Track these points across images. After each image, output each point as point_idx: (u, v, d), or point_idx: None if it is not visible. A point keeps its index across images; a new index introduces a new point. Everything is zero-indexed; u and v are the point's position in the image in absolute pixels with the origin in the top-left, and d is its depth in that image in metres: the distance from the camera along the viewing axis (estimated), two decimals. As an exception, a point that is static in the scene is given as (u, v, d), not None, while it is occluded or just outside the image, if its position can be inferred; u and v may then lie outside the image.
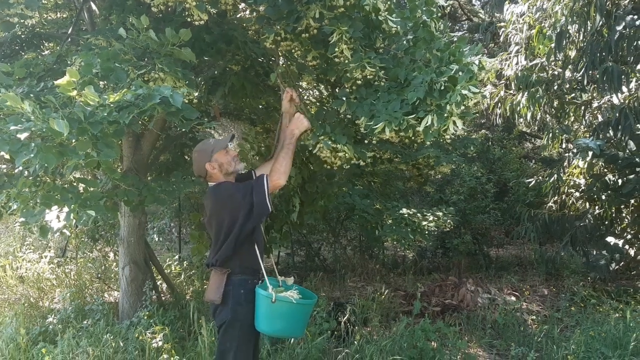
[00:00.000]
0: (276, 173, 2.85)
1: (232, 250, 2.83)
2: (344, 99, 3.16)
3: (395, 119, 2.72)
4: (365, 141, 4.03)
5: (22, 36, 5.01)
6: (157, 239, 7.91)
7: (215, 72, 4.70)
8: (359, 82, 3.03)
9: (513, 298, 6.38)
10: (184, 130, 5.93)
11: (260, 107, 5.43)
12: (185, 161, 6.08)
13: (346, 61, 3.01)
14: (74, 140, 2.34)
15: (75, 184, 3.13)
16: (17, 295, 5.97)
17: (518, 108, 6.82)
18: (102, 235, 7.19)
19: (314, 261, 8.34)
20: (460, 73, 2.62)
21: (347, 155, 3.15)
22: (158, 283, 5.59)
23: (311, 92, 5.20)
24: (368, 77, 2.98)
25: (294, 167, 3.30)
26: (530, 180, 7.63)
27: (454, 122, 2.68)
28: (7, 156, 3.34)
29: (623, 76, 5.85)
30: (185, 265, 7.11)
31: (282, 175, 2.86)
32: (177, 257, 7.43)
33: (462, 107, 2.68)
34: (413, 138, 3.00)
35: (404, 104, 2.77)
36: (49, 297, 6.08)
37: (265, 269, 2.93)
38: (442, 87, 2.63)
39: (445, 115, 2.63)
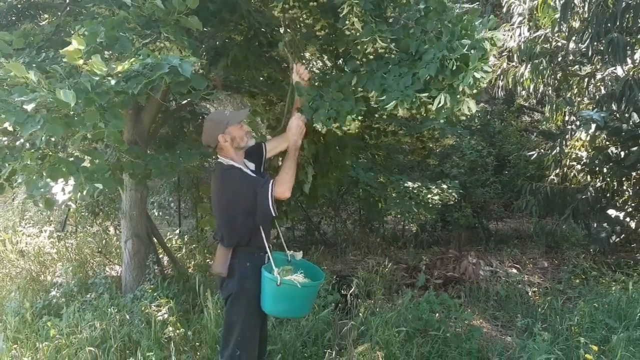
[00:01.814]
0: (282, 185, 2.79)
1: (237, 236, 2.85)
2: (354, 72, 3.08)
3: (408, 97, 2.66)
4: (376, 115, 3.97)
5: (19, 6, 4.88)
6: (157, 214, 7.88)
7: (217, 43, 4.61)
8: (370, 55, 2.96)
9: (514, 270, 6.41)
10: (183, 103, 5.88)
11: (262, 79, 5.34)
12: (185, 134, 6.02)
13: (357, 34, 2.93)
14: (80, 111, 2.28)
15: (80, 156, 3.08)
16: (18, 270, 5.95)
17: (521, 80, 6.75)
18: (102, 209, 7.15)
19: (314, 235, 8.34)
20: (472, 51, 2.55)
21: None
22: (160, 257, 5.57)
23: (314, 62, 5.11)
24: (379, 50, 2.91)
25: (305, 139, 3.24)
26: (532, 153, 7.60)
27: (467, 104, 2.63)
28: (10, 128, 3.28)
29: (628, 47, 5.79)
30: (185, 239, 7.10)
31: (287, 189, 2.81)
32: (177, 231, 7.41)
33: (473, 90, 2.62)
34: (425, 115, 2.94)
35: (416, 78, 2.70)
36: (50, 271, 6.06)
37: (274, 244, 2.92)
38: (454, 67, 2.56)
39: (458, 96, 2.58)
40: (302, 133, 2.99)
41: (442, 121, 3.87)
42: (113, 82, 2.23)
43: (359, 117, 3.00)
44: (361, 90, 2.95)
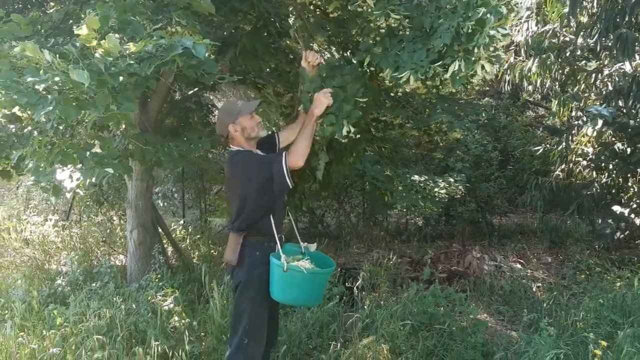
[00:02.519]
0: (294, 154, 2.80)
1: (248, 220, 2.85)
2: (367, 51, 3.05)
3: (421, 67, 2.63)
4: (387, 103, 3.94)
5: (26, -7, 4.86)
6: (161, 204, 7.88)
7: (225, 33, 4.59)
8: (383, 31, 2.93)
9: (518, 265, 6.40)
10: (189, 93, 5.87)
11: (268, 70, 5.32)
12: (190, 125, 6.01)
13: (369, 10, 2.90)
14: (92, 94, 2.26)
15: (90, 142, 3.07)
16: (23, 258, 5.95)
17: (528, 75, 6.72)
18: (106, 199, 7.15)
19: (317, 228, 8.34)
20: (488, 15, 2.52)
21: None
22: (165, 247, 5.57)
23: (322, 54, 5.09)
24: (392, 25, 2.88)
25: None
26: (537, 148, 7.58)
27: (483, 66, 2.60)
28: (19, 113, 3.27)
29: (637, 43, 5.75)
30: (189, 230, 7.10)
31: (300, 157, 2.80)
32: (181, 221, 7.41)
33: (492, 49, 2.59)
34: (440, 87, 2.91)
35: (430, 52, 2.68)
36: (54, 259, 6.06)
37: (286, 235, 2.92)
38: (469, 30, 2.53)
39: (473, 59, 2.55)
40: (321, 106, 2.89)
41: (455, 90, 3.80)
42: (126, 63, 2.21)
43: (353, 124, 2.97)
44: (370, 74, 2.90)
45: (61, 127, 3.44)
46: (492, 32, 2.48)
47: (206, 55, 2.38)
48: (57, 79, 2.18)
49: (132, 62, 2.21)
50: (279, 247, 2.88)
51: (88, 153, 2.90)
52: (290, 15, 4.27)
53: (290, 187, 2.83)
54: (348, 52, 4.74)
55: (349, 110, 2.90)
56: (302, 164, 2.83)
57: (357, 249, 7.37)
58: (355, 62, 3.15)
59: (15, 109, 3.00)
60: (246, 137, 2.91)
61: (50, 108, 2.19)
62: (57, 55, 2.20)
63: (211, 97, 7.77)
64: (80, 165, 3.02)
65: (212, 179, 8.31)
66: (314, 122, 2.90)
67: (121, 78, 2.21)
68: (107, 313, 3.86)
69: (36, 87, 2.16)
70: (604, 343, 3.45)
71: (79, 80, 2.07)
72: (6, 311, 4.38)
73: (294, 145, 2.87)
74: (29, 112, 2.94)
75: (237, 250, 2.86)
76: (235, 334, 2.87)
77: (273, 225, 2.87)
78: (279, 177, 2.76)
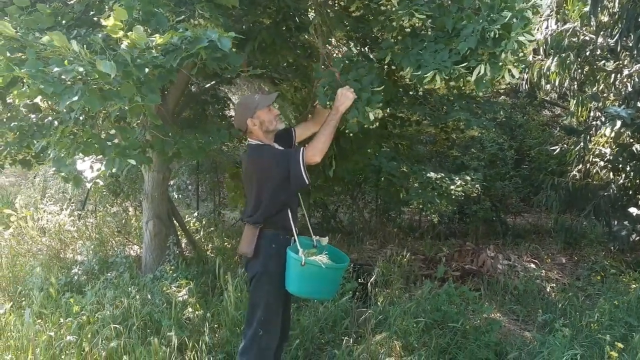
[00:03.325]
0: (313, 149, 2.81)
1: (265, 213, 2.87)
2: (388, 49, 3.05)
3: (446, 68, 2.63)
4: (405, 100, 3.94)
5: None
6: (175, 196, 7.93)
7: (244, 27, 4.60)
8: (406, 30, 2.92)
9: (532, 265, 6.37)
10: (206, 87, 5.89)
11: (285, 65, 5.32)
12: (206, 117, 6.03)
13: (392, 8, 2.89)
14: (117, 85, 2.29)
15: (112, 132, 3.10)
16: (40, 246, 6.02)
17: (547, 73, 6.66)
18: (122, 189, 7.21)
19: (330, 223, 8.34)
20: (514, 20, 2.51)
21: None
22: (179, 238, 5.61)
23: (340, 49, 5.09)
24: (415, 25, 2.87)
25: None
26: (554, 148, 7.52)
27: (509, 71, 2.59)
28: (43, 104, 3.31)
29: (658, 43, 5.68)
30: (203, 222, 7.14)
31: (319, 152, 2.82)
32: (195, 214, 7.45)
33: (519, 55, 2.58)
34: (463, 88, 2.91)
35: (453, 53, 2.67)
36: (70, 249, 6.13)
37: (299, 228, 2.93)
38: (496, 36, 2.52)
39: (500, 64, 2.54)
40: (346, 102, 2.88)
41: (480, 93, 3.78)
42: (152, 55, 2.23)
43: (378, 110, 2.96)
44: (388, 71, 2.90)
45: (81, 118, 3.49)
46: (520, 38, 2.47)
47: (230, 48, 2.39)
48: (81, 69, 2.21)
49: (157, 54, 2.23)
50: (296, 240, 2.89)
51: (110, 144, 2.92)
52: (310, 10, 4.27)
53: (308, 183, 2.84)
54: (366, 48, 4.73)
55: (367, 97, 2.88)
56: (319, 159, 2.84)
57: (370, 245, 7.36)
58: (373, 58, 3.15)
59: (37, 99, 3.03)
60: (264, 130, 2.92)
61: (76, 98, 2.21)
62: (85, 46, 2.22)
63: (226, 91, 7.78)
64: (102, 156, 3.05)
65: (227, 171, 8.34)
66: (337, 118, 2.89)
67: (146, 70, 2.22)
68: (124, 302, 3.89)
69: (62, 77, 2.18)
70: (620, 345, 3.43)
71: (106, 71, 2.09)
72: (23, 298, 4.44)
73: (313, 141, 2.87)
74: (52, 102, 2.96)
75: (253, 242, 2.88)
76: (250, 325, 2.90)
77: (290, 219, 2.88)
78: (296, 172, 2.78)
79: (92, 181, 3.34)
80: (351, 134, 3.75)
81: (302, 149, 2.82)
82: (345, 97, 2.87)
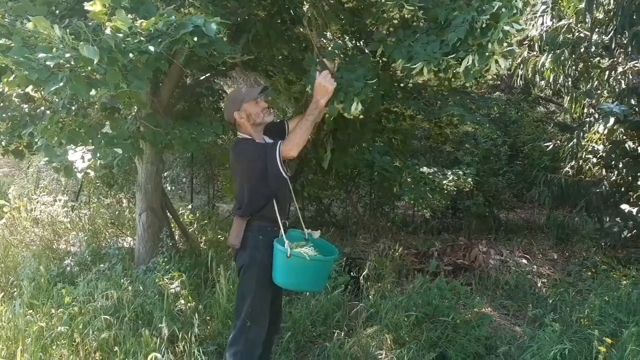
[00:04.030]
0: (289, 143, 2.81)
1: (250, 206, 2.88)
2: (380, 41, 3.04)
3: (435, 59, 2.63)
4: (399, 95, 3.94)
5: (41, -27, 4.85)
6: (169, 188, 7.91)
7: (238, 19, 4.58)
8: (396, 22, 2.92)
9: (524, 261, 6.40)
10: (200, 79, 5.87)
11: (280, 57, 5.31)
12: (201, 110, 6.02)
13: (383, 0, 2.89)
14: (103, 72, 2.27)
15: (101, 121, 3.09)
16: (33, 237, 6.01)
17: (542, 70, 6.68)
18: (116, 181, 7.20)
19: (324, 217, 8.36)
20: (503, 10, 2.51)
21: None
22: (172, 231, 5.60)
23: (335, 43, 5.07)
24: (406, 16, 2.87)
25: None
26: (548, 144, 7.55)
27: (497, 61, 2.59)
28: (33, 93, 3.29)
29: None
30: (197, 215, 7.14)
31: (295, 147, 2.81)
32: (189, 206, 7.45)
33: (505, 45, 2.58)
34: (452, 80, 2.91)
35: (444, 44, 2.67)
36: (63, 240, 6.12)
37: (291, 221, 2.93)
38: (484, 25, 2.52)
39: (487, 54, 2.54)
40: (325, 93, 2.85)
41: (468, 85, 3.78)
42: (136, 40, 2.22)
43: (365, 103, 2.94)
44: (383, 64, 2.89)
45: (73, 108, 3.47)
46: (506, 28, 2.47)
47: (217, 35, 2.37)
48: (67, 55, 2.19)
49: (142, 39, 2.22)
50: (283, 232, 2.90)
51: (99, 133, 2.91)
52: (305, 3, 4.25)
53: (285, 176, 2.86)
54: (361, 42, 4.72)
55: (360, 87, 2.87)
56: (295, 154, 2.84)
57: (363, 239, 7.38)
58: (367, 52, 3.15)
59: (29, 89, 3.01)
60: (252, 123, 2.93)
61: (61, 84, 2.19)
62: (68, 32, 2.21)
63: (221, 83, 7.77)
64: (90, 145, 3.03)
65: (221, 164, 8.34)
66: (317, 113, 2.88)
67: (131, 55, 2.21)
68: (114, 294, 3.89)
69: (47, 63, 2.17)
70: (609, 340, 3.46)
71: (89, 56, 2.07)
72: (15, 289, 4.44)
73: (290, 134, 2.88)
74: (42, 90, 2.94)
75: (240, 234, 2.90)
76: (238, 317, 2.91)
77: (277, 211, 2.89)
78: (272, 167, 2.80)
79: (83, 172, 3.31)
80: (349, 131, 3.75)
81: (279, 142, 2.82)
82: (324, 88, 2.84)
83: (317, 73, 2.91)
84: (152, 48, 2.22)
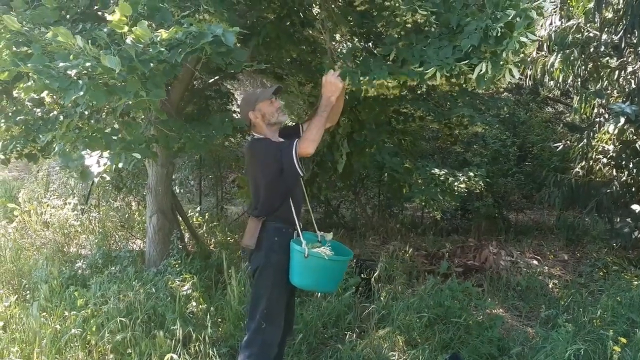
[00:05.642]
0: (305, 141, 2.81)
1: (267, 205, 2.88)
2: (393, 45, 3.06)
3: (447, 65, 2.63)
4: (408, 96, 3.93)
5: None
6: (178, 191, 7.94)
7: (248, 22, 4.60)
8: (409, 26, 2.93)
9: (535, 262, 6.38)
10: (209, 82, 5.89)
11: (289, 60, 5.32)
12: (209, 112, 6.04)
13: (396, 4, 2.90)
14: (122, 80, 2.29)
15: (116, 127, 3.11)
16: (44, 240, 6.04)
17: (551, 70, 6.66)
18: (125, 184, 7.23)
19: (333, 218, 8.35)
20: (517, 19, 2.51)
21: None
22: (182, 233, 5.62)
23: (344, 45, 5.09)
24: (419, 21, 2.88)
25: (342, 116, 3.24)
26: (557, 144, 7.51)
27: (510, 71, 2.60)
28: (48, 99, 3.31)
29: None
30: (206, 217, 7.15)
31: (311, 144, 2.81)
32: (198, 208, 7.47)
33: (520, 55, 2.59)
34: (464, 85, 2.92)
35: (456, 50, 2.68)
36: (74, 243, 6.14)
37: (303, 224, 2.94)
38: (498, 34, 2.52)
39: (501, 62, 2.54)
40: (336, 91, 2.90)
41: (480, 92, 3.78)
42: (157, 50, 2.24)
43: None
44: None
45: (86, 113, 3.49)
46: (522, 39, 2.47)
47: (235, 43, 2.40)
48: (87, 64, 2.21)
49: (162, 49, 2.24)
50: (300, 232, 2.90)
51: (115, 138, 2.93)
52: (314, 5, 4.27)
53: (302, 174, 2.86)
54: (370, 44, 4.73)
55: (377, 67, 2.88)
56: (312, 151, 2.84)
57: (372, 240, 7.38)
58: (377, 54, 3.16)
59: (44, 94, 3.04)
60: (267, 123, 2.94)
61: (81, 93, 2.21)
62: (89, 41, 2.23)
63: (228, 87, 7.80)
64: (107, 150, 3.05)
65: (229, 167, 8.36)
66: (329, 109, 2.90)
67: (151, 65, 2.23)
68: (129, 295, 3.91)
69: (67, 72, 2.19)
70: (624, 340, 3.44)
71: (110, 66, 2.10)
72: (28, 292, 4.46)
73: (305, 132, 2.89)
74: (57, 97, 2.97)
75: (256, 234, 2.89)
76: (253, 318, 2.89)
77: (293, 211, 2.90)
78: (289, 165, 2.79)
79: (99, 176, 3.33)
80: (365, 132, 3.75)
81: (295, 141, 2.82)
82: (334, 85, 2.89)
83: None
84: (172, 59, 2.24)
